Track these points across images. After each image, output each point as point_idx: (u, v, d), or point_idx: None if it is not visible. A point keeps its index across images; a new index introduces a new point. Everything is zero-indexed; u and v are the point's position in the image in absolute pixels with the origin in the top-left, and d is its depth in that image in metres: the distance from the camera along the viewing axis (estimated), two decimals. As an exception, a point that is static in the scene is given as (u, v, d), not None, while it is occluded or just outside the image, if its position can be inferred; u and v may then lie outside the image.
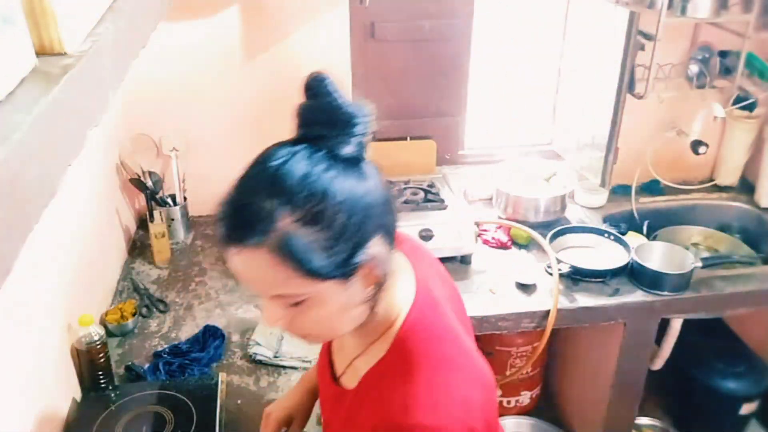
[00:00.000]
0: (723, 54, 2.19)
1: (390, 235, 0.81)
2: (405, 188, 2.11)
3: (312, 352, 1.64)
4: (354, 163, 0.78)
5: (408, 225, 1.93)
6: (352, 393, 0.90)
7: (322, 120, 0.77)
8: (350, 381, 0.92)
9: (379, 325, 0.87)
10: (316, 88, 0.77)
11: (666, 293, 1.88)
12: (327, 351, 1.02)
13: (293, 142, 0.79)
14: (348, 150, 0.77)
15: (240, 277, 0.80)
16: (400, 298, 0.88)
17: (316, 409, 1.34)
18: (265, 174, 0.76)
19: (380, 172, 0.82)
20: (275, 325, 0.82)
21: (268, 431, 1.18)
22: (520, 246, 2.10)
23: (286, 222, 0.73)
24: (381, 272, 0.81)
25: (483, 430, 0.81)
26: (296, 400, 1.21)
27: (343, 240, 0.75)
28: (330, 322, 0.82)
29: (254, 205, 0.75)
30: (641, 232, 2.24)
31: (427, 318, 0.88)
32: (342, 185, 0.75)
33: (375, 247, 0.78)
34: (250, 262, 0.76)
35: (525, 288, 1.90)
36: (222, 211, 0.79)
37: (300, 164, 0.75)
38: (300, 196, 0.73)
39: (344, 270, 0.76)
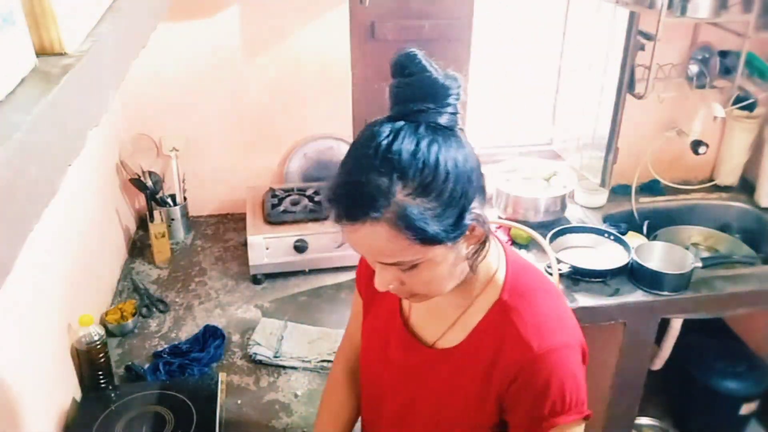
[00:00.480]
0: (723, 54, 2.19)
1: (485, 195, 0.88)
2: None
3: (312, 353, 1.64)
4: (451, 132, 0.83)
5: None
6: (461, 348, 0.96)
7: (419, 96, 0.81)
8: (455, 339, 0.97)
9: (481, 279, 0.95)
10: (409, 65, 0.82)
11: (666, 293, 1.88)
12: (403, 329, 1.04)
13: (392, 119, 0.82)
14: (445, 120, 0.82)
15: (356, 249, 0.86)
16: (492, 252, 0.96)
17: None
18: (375, 153, 0.79)
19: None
20: (386, 288, 0.89)
21: None
22: (520, 246, 2.10)
23: (401, 196, 0.78)
24: (483, 231, 0.88)
25: (584, 346, 0.96)
26: None
27: (453, 206, 0.81)
28: (439, 281, 0.88)
29: (370, 183, 0.79)
30: (641, 232, 2.24)
31: (521, 263, 0.99)
32: (446, 155, 0.80)
33: (477, 208, 0.85)
34: (369, 236, 0.81)
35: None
36: (335, 193, 0.82)
37: (407, 140, 0.79)
38: (411, 170, 0.78)
39: (455, 233, 0.83)
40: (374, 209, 0.78)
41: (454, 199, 0.81)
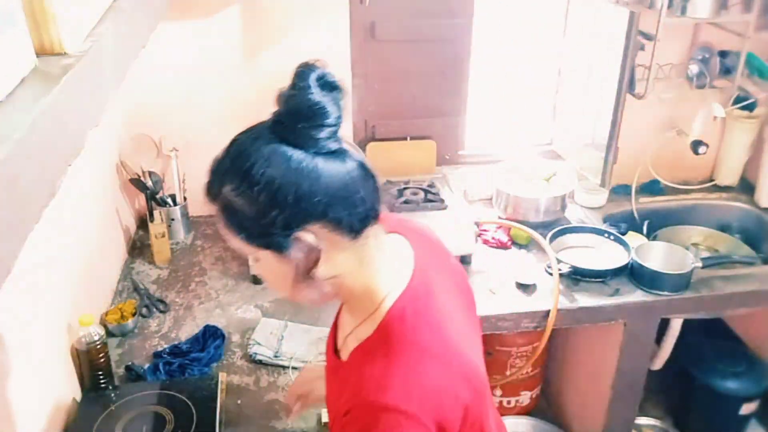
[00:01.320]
0: (723, 54, 2.19)
1: (341, 227, 0.86)
2: (405, 188, 2.11)
3: (312, 353, 1.64)
4: (311, 155, 0.83)
5: (408, 225, 1.93)
6: (345, 365, 0.96)
7: (293, 111, 0.83)
8: (344, 354, 0.97)
9: (366, 306, 0.92)
10: (298, 77, 0.83)
11: (666, 293, 1.88)
12: (335, 324, 1.07)
13: (267, 124, 0.87)
14: (307, 143, 0.83)
15: None
16: (390, 281, 0.92)
17: (315, 409, 1.34)
18: (229, 146, 0.88)
19: (353, 170, 0.86)
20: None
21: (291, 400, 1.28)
22: (520, 246, 2.10)
23: (227, 191, 0.85)
24: (317, 257, 0.87)
25: (455, 422, 0.85)
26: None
27: (271, 218, 0.83)
28: (273, 282, 0.94)
29: (212, 172, 0.88)
30: (641, 232, 2.24)
31: (417, 305, 0.91)
32: (280, 172, 0.82)
33: (311, 234, 0.85)
34: (216, 216, 0.89)
35: (525, 288, 1.90)
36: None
37: (252, 146, 0.85)
38: (239, 173, 0.83)
39: (270, 243, 0.85)
40: (209, 194, 0.88)
41: (273, 213, 0.82)
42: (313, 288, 0.91)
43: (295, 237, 0.84)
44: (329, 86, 0.84)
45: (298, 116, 0.82)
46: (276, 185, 0.82)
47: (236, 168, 0.84)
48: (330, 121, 0.83)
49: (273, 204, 0.82)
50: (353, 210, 0.86)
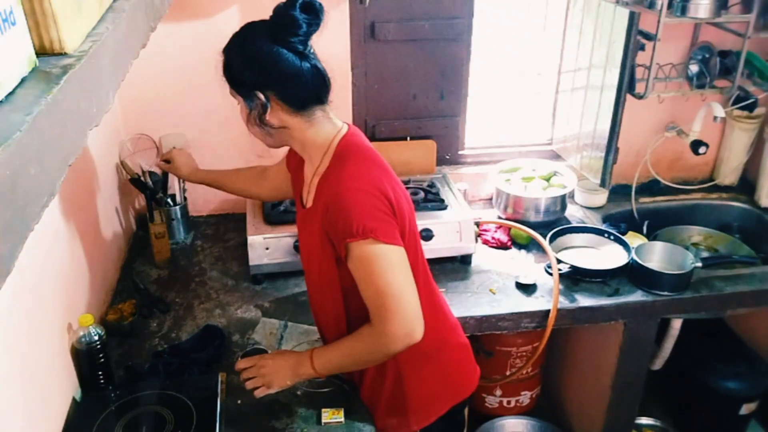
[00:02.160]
0: (723, 54, 2.19)
1: (286, 99, 1.26)
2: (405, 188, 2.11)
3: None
4: (280, 48, 1.23)
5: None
6: (311, 209, 1.34)
7: (276, 17, 1.25)
8: (310, 200, 1.35)
9: (319, 148, 1.31)
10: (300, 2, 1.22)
11: (666, 293, 1.88)
12: (300, 183, 1.43)
13: (265, 22, 1.28)
14: (281, 40, 1.23)
15: None
16: (336, 129, 1.32)
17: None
18: (242, 27, 1.32)
19: (306, 68, 1.26)
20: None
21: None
22: (520, 246, 2.10)
23: (228, 51, 1.30)
24: (262, 112, 1.27)
25: (390, 193, 1.25)
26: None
27: (244, 76, 1.27)
28: (243, 120, 1.33)
29: (229, 39, 1.32)
30: (641, 232, 2.24)
31: (359, 138, 1.34)
32: (255, 51, 1.25)
33: (263, 95, 1.25)
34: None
35: (525, 288, 1.90)
36: None
37: (249, 29, 1.29)
38: (236, 42, 1.29)
39: (241, 92, 1.28)
40: (223, 51, 1.32)
41: (246, 72, 1.26)
42: (264, 132, 1.31)
43: (254, 93, 1.26)
44: (310, 8, 1.23)
45: (279, 23, 1.23)
46: (250, 56, 1.25)
47: (236, 38, 1.29)
48: (300, 31, 1.22)
49: (246, 67, 1.26)
50: (296, 91, 1.26)
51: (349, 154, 1.28)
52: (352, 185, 1.22)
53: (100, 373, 1.48)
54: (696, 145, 2.25)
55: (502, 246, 2.10)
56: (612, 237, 2.06)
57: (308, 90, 1.26)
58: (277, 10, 1.23)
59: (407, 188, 2.12)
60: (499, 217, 2.20)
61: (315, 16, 1.24)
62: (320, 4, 1.24)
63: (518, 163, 2.34)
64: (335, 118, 1.34)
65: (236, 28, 1.34)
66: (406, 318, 1.20)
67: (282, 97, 1.25)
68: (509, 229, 2.13)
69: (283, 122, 1.28)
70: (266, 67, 1.24)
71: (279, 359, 1.39)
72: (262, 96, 1.25)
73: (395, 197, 1.26)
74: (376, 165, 1.30)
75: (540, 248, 2.02)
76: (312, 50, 1.28)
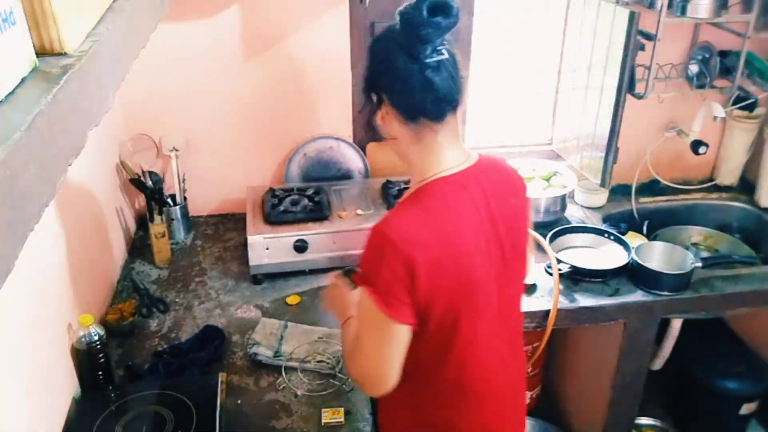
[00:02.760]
0: (723, 54, 2.19)
1: (396, 106, 1.20)
2: (405, 188, 2.11)
3: (312, 353, 1.64)
4: (402, 55, 1.16)
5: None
6: None
7: (401, 23, 1.15)
8: None
9: (416, 176, 1.24)
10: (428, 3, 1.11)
11: (666, 293, 1.88)
12: None
13: (395, 26, 1.18)
14: (409, 46, 1.14)
15: None
16: (442, 167, 1.22)
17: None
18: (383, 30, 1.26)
19: (423, 80, 1.15)
20: None
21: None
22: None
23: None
24: (378, 116, 1.23)
25: (421, 269, 1.13)
26: None
27: (366, 75, 1.25)
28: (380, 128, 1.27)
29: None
30: (641, 232, 2.24)
31: (446, 190, 1.21)
32: (378, 56, 1.23)
33: (377, 96, 1.22)
34: None
35: (525, 288, 1.89)
36: None
37: (382, 33, 1.23)
38: (370, 45, 1.27)
39: (364, 89, 1.26)
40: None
41: (366, 71, 1.25)
42: (397, 148, 1.26)
43: (370, 92, 1.24)
44: (440, 10, 1.10)
45: (402, 23, 1.14)
46: (371, 59, 1.24)
47: (371, 42, 1.28)
48: (421, 34, 1.12)
49: (368, 65, 1.24)
50: (403, 97, 1.19)
51: (419, 201, 1.20)
52: (377, 228, 1.17)
53: (100, 373, 1.48)
54: (696, 145, 2.25)
55: (502, 246, 2.10)
56: (612, 237, 2.06)
57: (414, 98, 1.17)
58: (401, 15, 1.15)
59: (407, 188, 2.12)
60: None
61: (445, 15, 1.11)
62: (449, 4, 1.11)
63: (518, 163, 2.34)
64: (455, 151, 1.23)
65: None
66: (360, 373, 1.24)
67: (392, 102, 1.20)
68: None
69: (393, 130, 1.23)
70: (380, 67, 1.21)
71: (346, 297, 1.38)
72: (374, 97, 1.23)
73: (431, 274, 1.14)
74: (437, 229, 1.17)
75: (540, 248, 2.02)
76: (439, 57, 1.15)
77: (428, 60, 1.14)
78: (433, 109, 1.17)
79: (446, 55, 1.15)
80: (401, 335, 1.16)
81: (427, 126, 1.19)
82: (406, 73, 1.15)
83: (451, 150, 1.22)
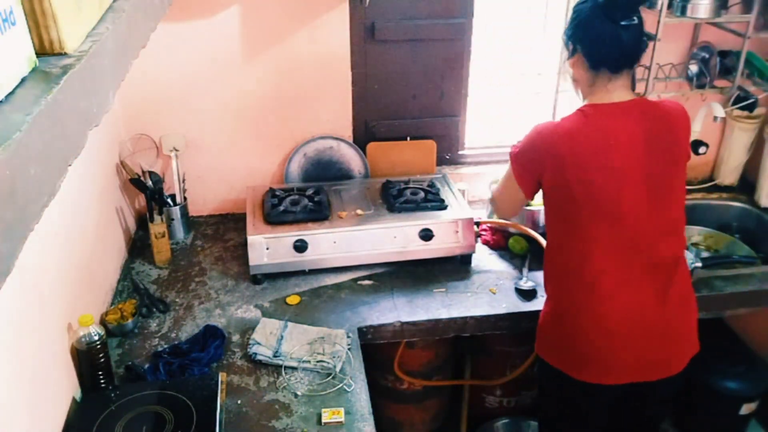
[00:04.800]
0: (723, 54, 2.19)
1: (585, 56, 1.50)
2: (405, 188, 2.11)
3: (312, 353, 1.64)
4: (600, 16, 1.45)
5: (408, 225, 1.93)
6: None
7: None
8: None
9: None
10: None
11: (666, 293, 1.88)
12: None
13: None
14: (606, 11, 1.44)
15: None
16: (601, 101, 1.51)
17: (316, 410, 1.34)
18: None
19: (614, 38, 1.45)
20: None
21: None
22: (513, 254, 2.08)
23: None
24: (573, 65, 1.55)
25: (546, 151, 1.51)
26: None
27: (568, 28, 1.54)
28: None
29: None
30: (641, 232, 2.23)
31: (589, 115, 1.50)
32: (581, 14, 1.49)
33: (573, 46, 1.53)
34: None
35: (525, 294, 1.89)
36: None
37: None
38: (576, 3, 1.54)
39: (566, 41, 1.56)
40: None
41: (569, 24, 1.53)
42: (573, 80, 1.59)
43: (569, 42, 1.54)
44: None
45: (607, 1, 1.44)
46: (575, 16, 1.51)
47: (576, 3, 1.53)
48: (622, 3, 1.43)
49: (571, 23, 1.52)
50: (597, 55, 1.48)
51: (577, 111, 1.50)
52: (539, 126, 1.53)
53: (100, 373, 1.48)
54: (696, 145, 2.25)
55: (503, 246, 2.10)
56: (612, 237, 2.05)
57: (602, 51, 1.47)
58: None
59: (407, 188, 2.13)
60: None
61: None
62: None
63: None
64: (622, 96, 1.51)
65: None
66: (494, 201, 1.79)
67: (584, 52, 1.50)
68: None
69: (577, 74, 1.54)
70: (580, 24, 1.49)
71: None
72: (570, 46, 1.53)
73: (559, 155, 1.47)
74: (576, 128, 1.48)
75: (540, 248, 2.01)
76: (631, 22, 1.43)
77: (623, 23, 1.42)
78: (614, 63, 1.47)
79: (636, 21, 1.43)
80: (519, 194, 1.60)
81: (605, 75, 1.49)
82: (601, 31, 1.44)
83: (617, 94, 1.51)
